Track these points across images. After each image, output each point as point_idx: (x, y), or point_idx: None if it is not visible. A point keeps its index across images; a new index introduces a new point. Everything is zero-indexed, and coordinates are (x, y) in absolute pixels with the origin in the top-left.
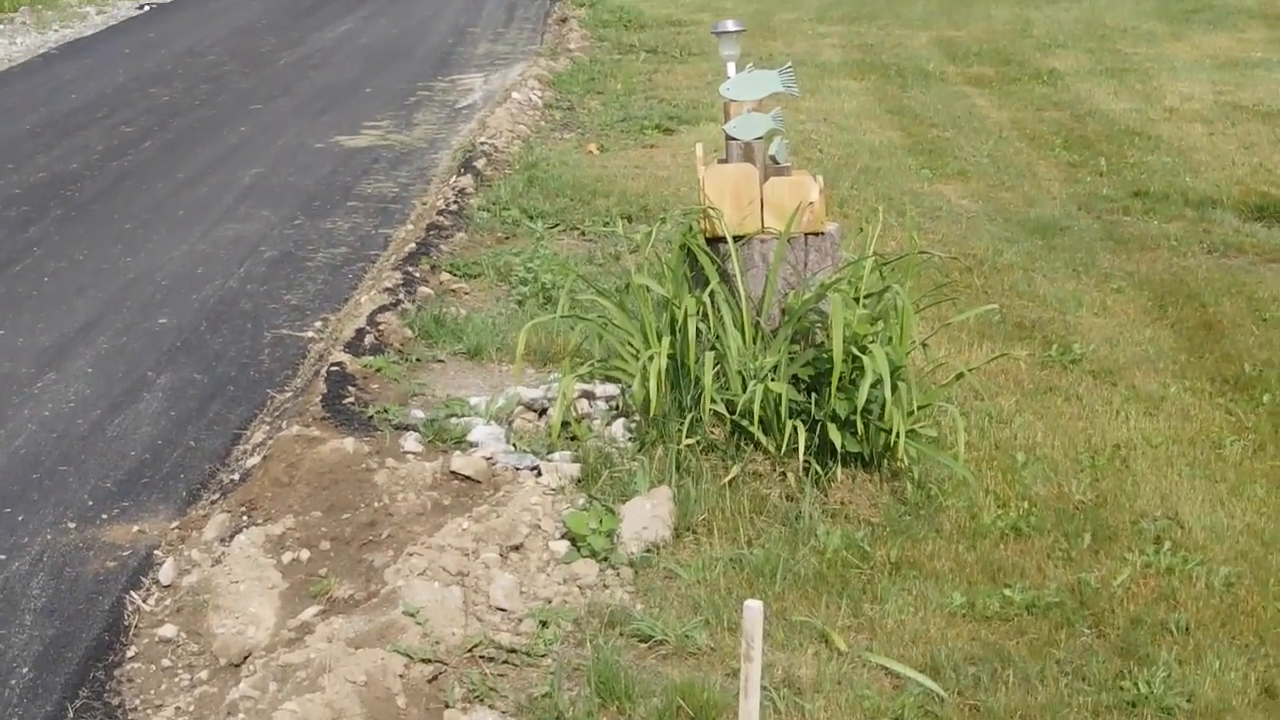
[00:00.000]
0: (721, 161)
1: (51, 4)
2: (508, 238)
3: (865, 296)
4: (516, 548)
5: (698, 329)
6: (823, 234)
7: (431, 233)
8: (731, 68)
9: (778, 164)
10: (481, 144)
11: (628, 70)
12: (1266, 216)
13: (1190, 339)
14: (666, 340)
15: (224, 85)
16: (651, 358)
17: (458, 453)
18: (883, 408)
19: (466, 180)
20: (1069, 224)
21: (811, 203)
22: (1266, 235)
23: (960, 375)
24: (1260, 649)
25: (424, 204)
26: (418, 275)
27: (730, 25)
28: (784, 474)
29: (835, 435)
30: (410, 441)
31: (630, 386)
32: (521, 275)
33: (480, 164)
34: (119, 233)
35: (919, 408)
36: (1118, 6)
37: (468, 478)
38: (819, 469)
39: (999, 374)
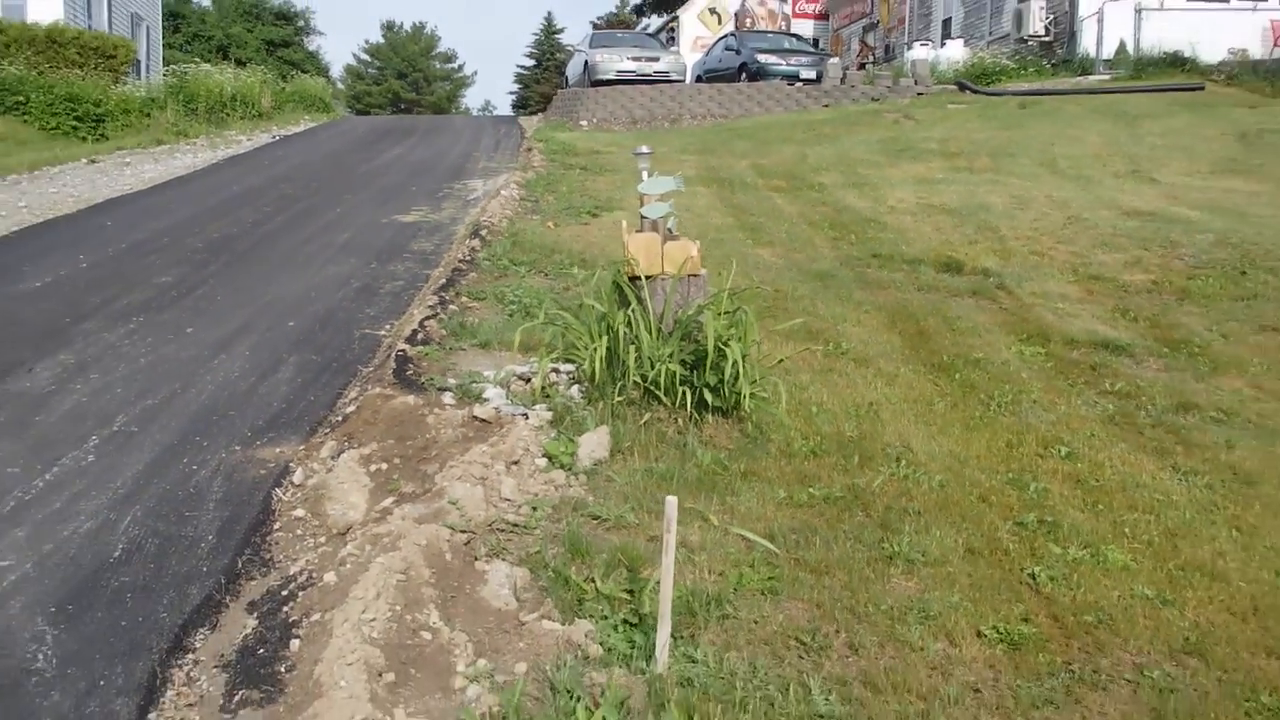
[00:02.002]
0: (638, 231)
1: (219, 134)
2: (502, 276)
3: (724, 313)
4: (515, 463)
5: (623, 332)
6: (699, 275)
7: (455, 273)
8: (645, 174)
9: (671, 233)
10: (483, 221)
11: (570, 179)
12: (950, 270)
13: (911, 341)
14: (605, 339)
15: (325, 184)
16: (595, 349)
17: (478, 405)
18: (735, 379)
19: (475, 242)
20: (835, 273)
21: (691, 257)
22: (951, 281)
23: (780, 361)
24: (963, 525)
25: (450, 256)
26: (448, 298)
27: (644, 149)
28: (676, 419)
29: (708, 396)
30: (448, 398)
31: (583, 365)
32: (511, 299)
33: (483, 233)
34: (262, 271)
35: (756, 380)
36: (858, 148)
37: (484, 420)
38: (697, 416)
39: (799, 361)
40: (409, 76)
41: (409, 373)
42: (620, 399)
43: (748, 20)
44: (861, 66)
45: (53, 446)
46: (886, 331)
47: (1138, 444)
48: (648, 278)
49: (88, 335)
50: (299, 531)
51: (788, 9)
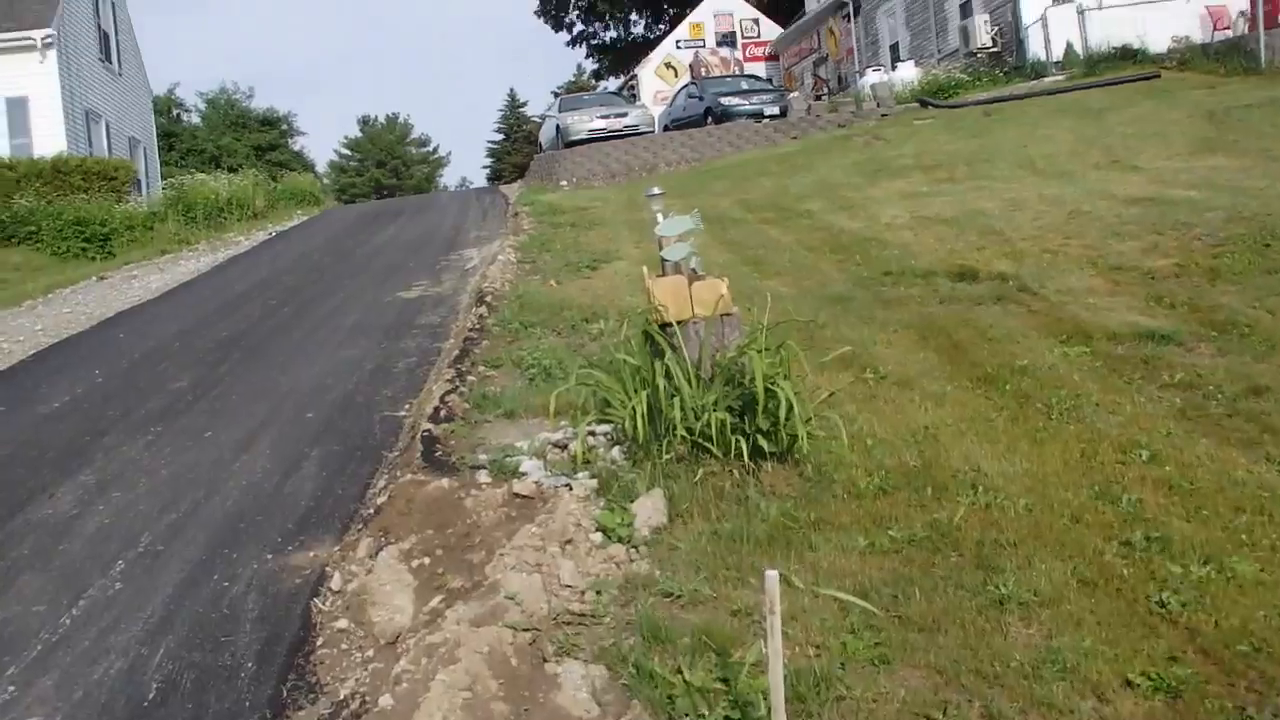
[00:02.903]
0: (660, 276)
1: (219, 237)
2: (514, 340)
3: (765, 349)
4: (569, 541)
5: (663, 384)
6: (731, 314)
7: (467, 343)
8: (659, 216)
9: (696, 273)
10: (486, 287)
11: (562, 237)
12: (966, 279)
13: (948, 356)
14: (644, 394)
15: (325, 271)
16: (635, 405)
17: (515, 480)
18: (789, 420)
19: (482, 310)
20: (852, 296)
21: (722, 295)
22: (970, 290)
23: (830, 394)
24: (1066, 553)
25: (458, 326)
26: (464, 369)
27: (655, 190)
28: (730, 471)
29: (762, 442)
30: (483, 476)
31: (621, 424)
32: (529, 362)
33: (488, 299)
34: (276, 363)
35: (810, 418)
36: (835, 173)
37: (526, 497)
38: (753, 465)
39: (836, 388)
40: (388, 164)
41: (438, 453)
42: (668, 456)
43: (702, 70)
44: (818, 98)
45: (79, 576)
46: (920, 349)
47: (1220, 437)
48: (679, 323)
49: (108, 451)
50: (344, 645)
51: (739, 55)
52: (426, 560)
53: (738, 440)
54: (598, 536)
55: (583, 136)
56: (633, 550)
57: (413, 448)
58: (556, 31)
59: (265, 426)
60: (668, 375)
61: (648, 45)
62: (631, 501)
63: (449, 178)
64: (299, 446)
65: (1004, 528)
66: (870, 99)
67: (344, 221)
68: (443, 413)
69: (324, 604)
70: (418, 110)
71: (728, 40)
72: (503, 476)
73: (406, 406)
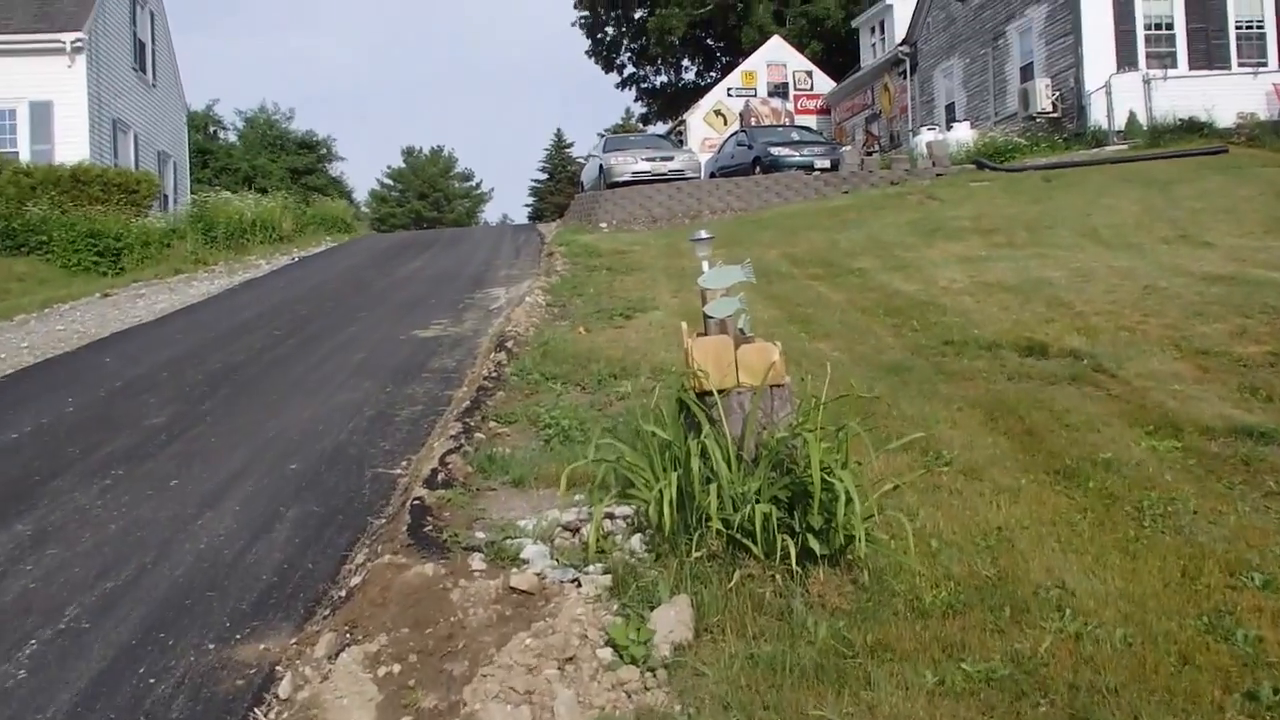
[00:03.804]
0: (701, 334)
1: (239, 260)
2: (533, 393)
3: (819, 428)
4: (570, 659)
5: (697, 466)
6: (783, 385)
7: (480, 393)
8: (705, 265)
9: (744, 334)
10: (509, 331)
11: (596, 280)
12: (1035, 353)
13: (1021, 443)
14: (674, 475)
15: (341, 302)
16: (663, 489)
17: (514, 570)
18: (847, 517)
19: (501, 355)
20: (909, 365)
21: (774, 362)
22: (1041, 366)
23: (895, 487)
24: (1179, 706)
25: (474, 373)
26: (472, 424)
27: (703, 234)
28: (772, 576)
29: (813, 543)
30: (476, 561)
31: (645, 508)
32: (546, 421)
33: (509, 344)
34: (267, 403)
35: (872, 514)
36: (887, 230)
37: (524, 592)
38: (799, 570)
39: (894, 476)
40: (430, 196)
41: (428, 528)
42: (698, 554)
43: (752, 119)
44: (869, 154)
45: None
46: (988, 431)
47: None
48: (720, 392)
49: (56, 496)
50: None
51: (790, 106)
52: (396, 668)
53: (784, 539)
54: (606, 653)
55: (626, 178)
56: (649, 675)
57: (400, 518)
58: (607, 73)
59: (240, 478)
60: (704, 455)
61: (698, 91)
62: (651, 608)
63: (490, 213)
64: (274, 504)
65: (1100, 666)
66: (925, 157)
67: (371, 250)
68: (441, 475)
69: (267, 716)
70: (463, 144)
71: (779, 91)
72: (500, 563)
73: (404, 463)
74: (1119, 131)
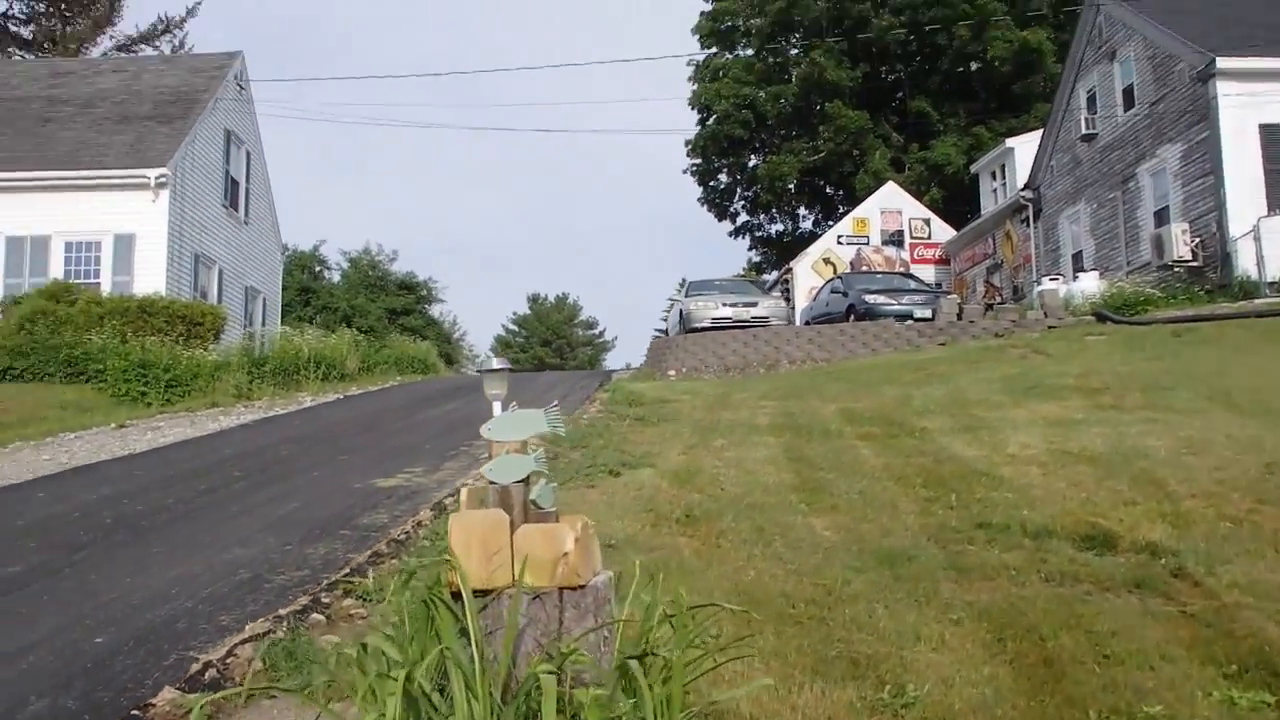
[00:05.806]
0: (479, 505)
1: (288, 395)
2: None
3: (649, 653)
4: None
5: (427, 701)
6: (583, 586)
7: (373, 557)
8: (497, 407)
9: (540, 509)
10: (463, 483)
11: (613, 431)
12: (1097, 545)
13: (1030, 678)
14: (394, 702)
15: (334, 444)
16: None
17: None
18: None
19: (428, 514)
20: (917, 553)
21: (566, 554)
22: (1099, 564)
23: None
24: None
25: (395, 533)
26: (326, 600)
27: (495, 363)
28: None
29: None
30: None
31: None
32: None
33: (449, 500)
34: (145, 555)
35: None
36: (975, 386)
37: None
38: None
39: None
40: (553, 343)
41: None
42: None
43: (864, 268)
44: (989, 307)
45: None
46: (987, 658)
47: None
48: (480, 592)
49: None
50: None
51: (906, 255)
52: None
53: None
54: None
55: (705, 324)
56: None
57: None
58: (719, 221)
59: (23, 654)
60: (441, 684)
61: (814, 240)
62: None
63: (613, 360)
64: (25, 694)
65: None
66: (1037, 308)
67: (426, 391)
68: (210, 674)
69: None
70: (589, 292)
71: (894, 239)
72: None
73: (227, 645)
74: (1271, 282)
